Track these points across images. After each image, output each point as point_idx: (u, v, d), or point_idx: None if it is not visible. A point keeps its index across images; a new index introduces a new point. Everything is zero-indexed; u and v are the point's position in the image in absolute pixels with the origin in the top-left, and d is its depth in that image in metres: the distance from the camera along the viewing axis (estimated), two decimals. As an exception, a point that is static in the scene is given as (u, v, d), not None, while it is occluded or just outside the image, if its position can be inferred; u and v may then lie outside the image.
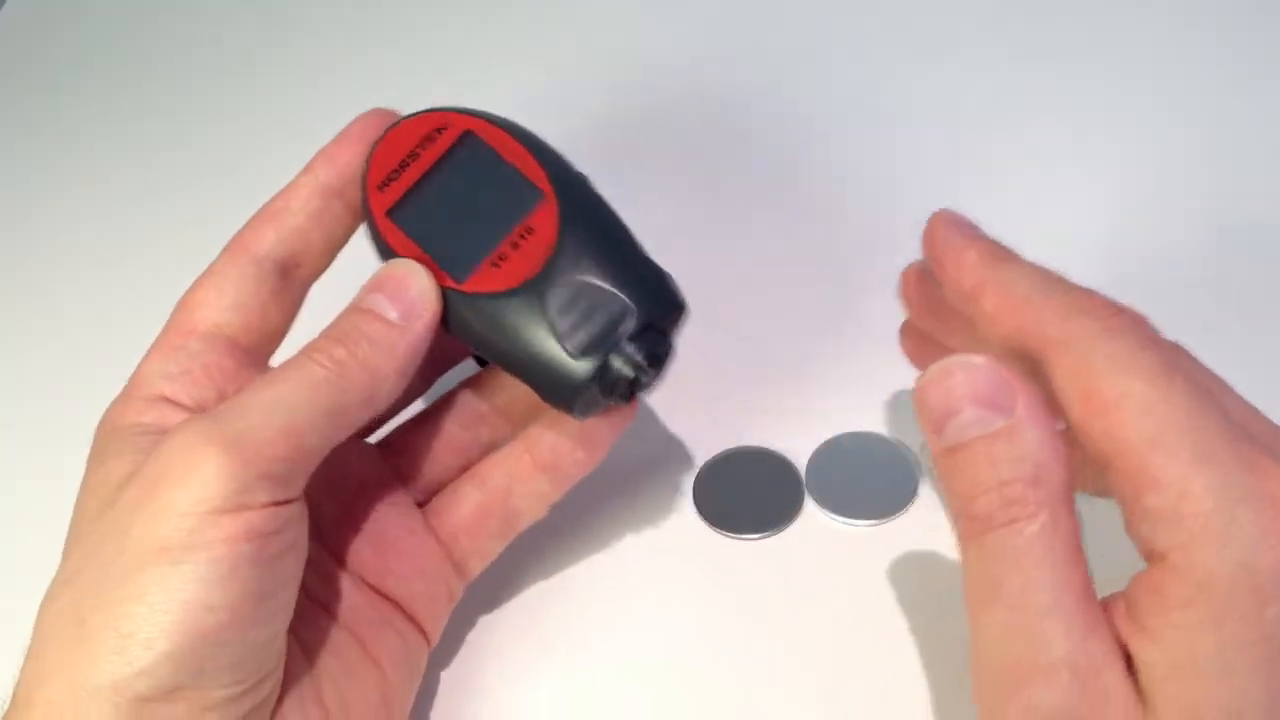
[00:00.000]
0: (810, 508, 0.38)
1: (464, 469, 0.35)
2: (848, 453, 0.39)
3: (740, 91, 0.52)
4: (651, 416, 0.41)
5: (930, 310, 0.32)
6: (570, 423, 0.32)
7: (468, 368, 0.37)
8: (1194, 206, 0.44)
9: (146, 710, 0.26)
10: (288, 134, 0.53)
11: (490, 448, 0.35)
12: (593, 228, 0.31)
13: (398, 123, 0.32)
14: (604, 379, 0.30)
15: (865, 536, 0.37)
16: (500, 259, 0.30)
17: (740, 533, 0.38)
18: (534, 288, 0.30)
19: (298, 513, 0.28)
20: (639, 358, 0.30)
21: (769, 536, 0.38)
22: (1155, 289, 0.31)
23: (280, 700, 0.29)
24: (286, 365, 0.29)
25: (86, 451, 0.30)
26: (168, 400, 0.30)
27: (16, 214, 0.53)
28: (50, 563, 0.28)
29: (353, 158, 0.32)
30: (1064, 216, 0.44)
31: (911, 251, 0.30)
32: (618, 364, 0.30)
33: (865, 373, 0.41)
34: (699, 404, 0.41)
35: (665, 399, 0.41)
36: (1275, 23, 0.51)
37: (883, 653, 0.34)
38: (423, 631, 0.33)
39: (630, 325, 0.30)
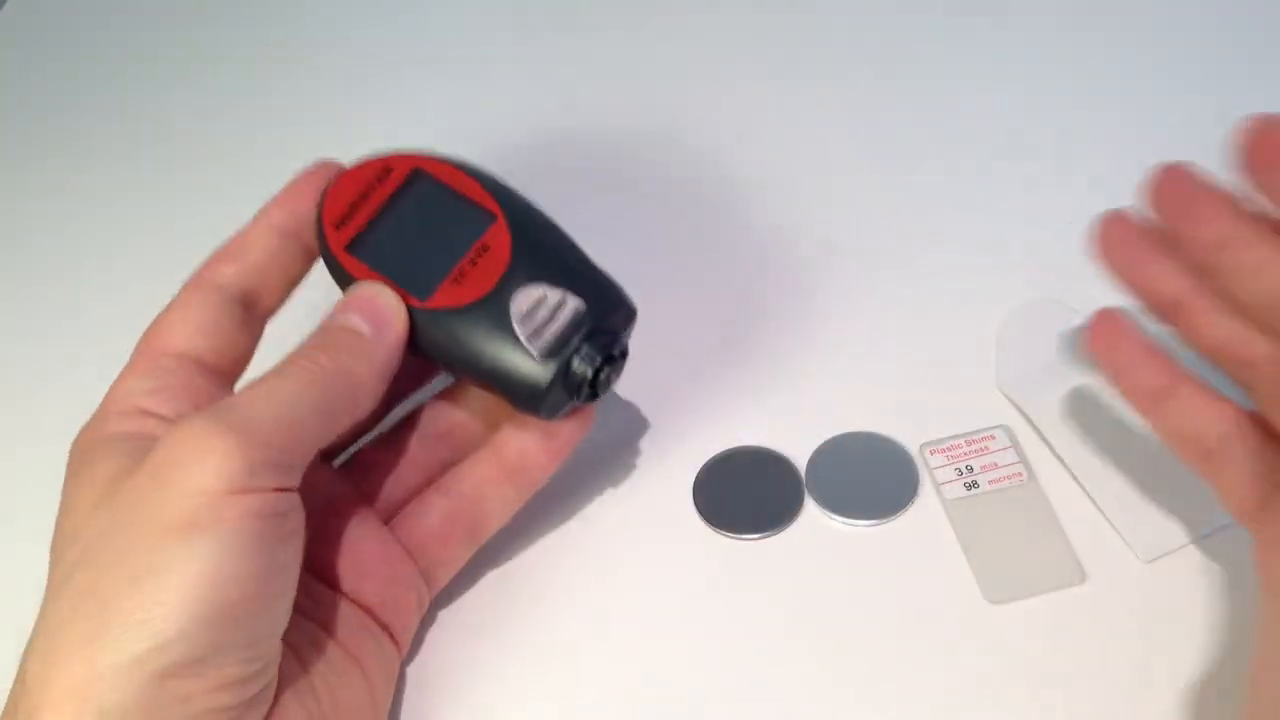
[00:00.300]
0: (810, 508, 0.38)
1: (424, 486, 0.36)
2: (848, 453, 0.39)
3: (722, 104, 0.52)
4: (651, 417, 0.41)
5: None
6: (536, 426, 0.34)
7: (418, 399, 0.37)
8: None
9: (166, 686, 0.26)
10: (287, 136, 0.53)
11: (450, 464, 0.36)
12: (544, 242, 0.33)
13: (345, 169, 0.34)
14: (567, 380, 0.32)
15: (865, 536, 0.37)
16: (460, 276, 0.32)
17: (740, 533, 0.38)
18: (494, 299, 0.32)
19: (297, 502, 0.29)
20: (598, 358, 0.32)
21: (769, 536, 0.38)
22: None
23: (278, 696, 0.30)
24: (276, 368, 0.30)
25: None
26: (146, 413, 0.31)
27: (15, 214, 0.53)
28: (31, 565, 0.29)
29: (304, 202, 0.34)
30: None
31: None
32: (578, 365, 0.32)
33: (865, 373, 0.41)
34: (699, 404, 0.41)
35: (665, 399, 0.41)
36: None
37: (882, 653, 0.35)
38: (394, 639, 0.34)
39: (586, 328, 0.32)
